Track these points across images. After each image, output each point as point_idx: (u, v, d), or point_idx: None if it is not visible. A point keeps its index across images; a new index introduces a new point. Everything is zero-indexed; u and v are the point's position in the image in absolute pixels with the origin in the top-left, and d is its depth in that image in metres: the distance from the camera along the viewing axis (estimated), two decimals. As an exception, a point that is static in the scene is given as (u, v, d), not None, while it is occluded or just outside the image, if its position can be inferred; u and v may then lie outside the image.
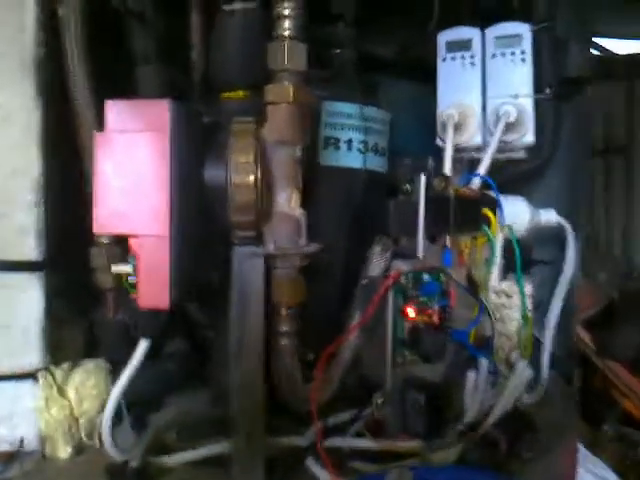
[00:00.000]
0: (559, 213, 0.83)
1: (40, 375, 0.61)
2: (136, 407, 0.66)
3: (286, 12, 0.55)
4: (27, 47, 0.60)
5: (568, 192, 0.89)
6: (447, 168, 0.74)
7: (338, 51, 0.74)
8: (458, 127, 0.81)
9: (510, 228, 0.69)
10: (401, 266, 0.64)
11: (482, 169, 0.73)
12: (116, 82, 0.64)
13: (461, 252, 0.65)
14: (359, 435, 0.67)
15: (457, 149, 0.80)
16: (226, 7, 0.60)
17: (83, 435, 0.64)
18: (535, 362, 0.82)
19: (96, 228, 0.52)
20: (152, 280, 0.52)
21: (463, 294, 0.67)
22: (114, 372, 0.66)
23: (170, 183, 0.52)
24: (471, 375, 0.67)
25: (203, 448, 0.61)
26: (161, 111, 0.52)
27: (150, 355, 0.66)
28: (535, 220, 0.79)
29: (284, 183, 0.57)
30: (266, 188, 0.56)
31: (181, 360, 0.70)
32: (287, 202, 0.58)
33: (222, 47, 0.61)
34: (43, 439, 0.62)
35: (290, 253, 0.58)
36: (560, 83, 0.82)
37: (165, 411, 0.64)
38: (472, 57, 0.83)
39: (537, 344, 0.83)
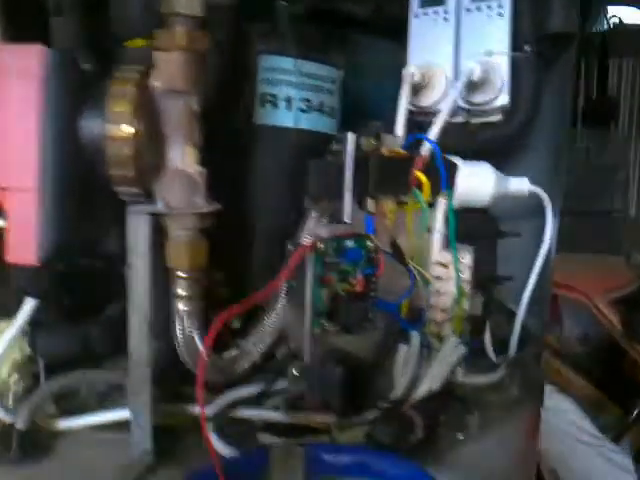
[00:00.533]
0: (539, 183, 0.76)
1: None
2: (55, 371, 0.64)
3: (175, -48, 0.50)
4: None
5: (549, 161, 0.81)
6: (399, 130, 0.68)
7: (283, 3, 0.68)
8: (422, 88, 0.74)
9: (448, 194, 0.62)
10: (320, 232, 0.59)
11: (433, 131, 0.67)
12: (35, 34, 0.61)
13: (384, 217, 0.59)
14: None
15: (424, 112, 0.74)
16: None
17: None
18: (504, 341, 0.77)
19: (-35, 180, 0.50)
20: (20, 234, 0.50)
21: (390, 263, 0.62)
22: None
23: (40, 134, 0.49)
24: (402, 348, 0.62)
25: (99, 414, 0.59)
26: (33, 57, 0.49)
27: (73, 318, 0.65)
28: (502, 188, 0.72)
29: (177, 137, 0.54)
30: (154, 142, 0.52)
31: (109, 327, 0.67)
32: (181, 157, 0.54)
33: None
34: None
35: (182, 213, 0.53)
36: (541, 40, 0.75)
37: (67, 375, 0.61)
38: (446, 12, 0.77)
39: (508, 320, 0.78)
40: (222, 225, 0.64)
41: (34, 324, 0.64)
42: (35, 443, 0.56)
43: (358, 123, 0.73)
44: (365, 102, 0.80)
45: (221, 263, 0.69)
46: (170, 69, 0.51)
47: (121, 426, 0.58)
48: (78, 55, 0.58)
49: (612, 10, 2.49)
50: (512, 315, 0.80)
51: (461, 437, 0.61)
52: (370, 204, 0.59)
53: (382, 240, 0.61)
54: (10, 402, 0.62)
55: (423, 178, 0.60)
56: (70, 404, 0.63)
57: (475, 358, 0.77)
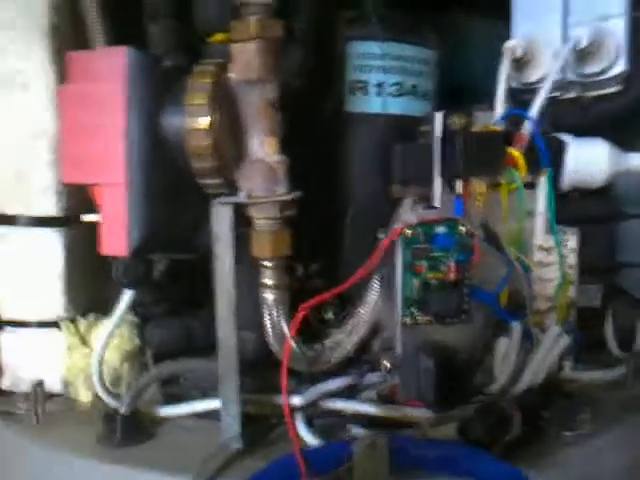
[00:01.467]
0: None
1: (63, 325, 0.65)
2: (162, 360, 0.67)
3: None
4: (43, 12, 0.62)
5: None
6: (498, 106, 0.64)
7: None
8: (527, 63, 0.70)
9: (549, 173, 0.57)
10: (407, 218, 0.57)
11: (533, 107, 0.63)
12: (134, 42, 0.64)
13: (474, 199, 0.56)
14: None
15: (532, 89, 0.69)
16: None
17: (107, 383, 0.66)
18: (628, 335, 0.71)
19: (64, 178, 0.53)
20: (112, 227, 0.52)
21: (487, 249, 0.58)
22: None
23: (126, 132, 0.51)
24: (502, 340, 0.59)
25: (198, 402, 0.60)
26: (117, 60, 0.52)
27: (175, 310, 0.68)
28: (620, 166, 0.66)
29: (256, 127, 0.54)
30: (234, 133, 0.53)
31: (212, 320, 0.69)
32: (260, 147, 0.54)
33: None
34: (66, 384, 0.65)
35: (264, 202, 0.54)
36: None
37: (169, 363, 0.64)
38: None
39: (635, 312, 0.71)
40: (315, 215, 0.64)
41: (144, 318, 0.68)
42: (137, 428, 0.58)
43: (463, 105, 0.71)
44: (474, 82, 0.76)
45: (316, 254, 0.69)
46: (245, 59, 0.52)
47: (217, 414, 0.59)
48: (171, 57, 0.60)
49: None
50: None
51: (568, 437, 0.55)
52: (459, 186, 0.55)
53: (476, 225, 0.57)
54: (123, 389, 0.65)
55: (518, 156, 0.55)
56: (173, 391, 0.64)
57: (596, 352, 0.71)
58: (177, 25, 0.63)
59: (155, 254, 0.60)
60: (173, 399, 0.63)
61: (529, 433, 0.54)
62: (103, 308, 0.67)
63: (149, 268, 0.57)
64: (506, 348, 0.58)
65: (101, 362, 0.60)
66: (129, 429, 0.57)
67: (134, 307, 0.66)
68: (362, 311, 0.64)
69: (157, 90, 0.53)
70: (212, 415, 0.59)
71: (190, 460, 0.53)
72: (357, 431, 0.57)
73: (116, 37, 0.62)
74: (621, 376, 0.67)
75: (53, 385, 0.65)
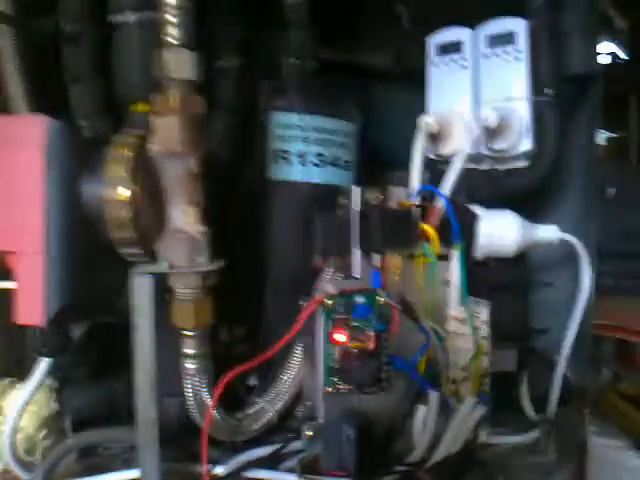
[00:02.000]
0: (571, 227, 0.72)
1: (-26, 390, 0.62)
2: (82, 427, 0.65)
3: (170, 18, 0.52)
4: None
5: (579, 202, 0.77)
6: (413, 180, 0.67)
7: (293, 60, 0.69)
8: (442, 136, 0.73)
9: (460, 246, 0.60)
10: (327, 288, 0.58)
11: (447, 180, 0.66)
12: (56, 101, 0.64)
13: (390, 272, 0.58)
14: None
15: (447, 161, 0.73)
16: (118, 18, 0.59)
17: (21, 451, 0.64)
18: (542, 398, 0.73)
19: (-23, 245, 0.52)
20: (28, 296, 0.51)
21: (404, 319, 0.60)
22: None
23: (44, 201, 0.51)
24: (421, 409, 0.60)
25: (116, 473, 0.59)
26: (36, 129, 0.51)
27: (95, 374, 0.67)
28: (530, 237, 0.69)
29: (177, 198, 0.55)
30: (155, 203, 0.53)
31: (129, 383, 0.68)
32: (182, 217, 0.55)
33: (119, 60, 0.60)
34: (-25, 455, 0.62)
35: (185, 272, 0.54)
36: (562, 82, 0.72)
37: (87, 432, 0.62)
38: (463, 60, 0.76)
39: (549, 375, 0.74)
40: (240, 280, 0.64)
41: (62, 381, 0.66)
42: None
43: (383, 173, 0.73)
44: (391, 151, 0.79)
45: (241, 318, 0.69)
46: (166, 132, 0.52)
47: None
48: (92, 121, 0.60)
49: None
50: (553, 368, 0.76)
51: (483, 504, 0.56)
52: (376, 259, 0.57)
53: (393, 296, 0.58)
54: (37, 458, 0.63)
55: (430, 231, 0.58)
56: (93, 461, 0.62)
57: (513, 416, 0.73)
58: (99, 88, 0.63)
59: (74, 321, 0.58)
60: (92, 470, 0.61)
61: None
62: (20, 373, 0.65)
63: (66, 337, 0.56)
64: (424, 416, 0.59)
65: (15, 430, 0.57)
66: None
67: (52, 371, 0.64)
68: (285, 378, 0.64)
69: (77, 159, 0.53)
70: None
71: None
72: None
73: (37, 100, 0.62)
74: (536, 440, 0.68)
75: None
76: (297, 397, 0.66)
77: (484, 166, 0.75)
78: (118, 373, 0.67)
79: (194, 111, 0.53)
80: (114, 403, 0.68)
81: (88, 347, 0.67)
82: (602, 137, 2.51)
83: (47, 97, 0.64)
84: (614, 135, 2.52)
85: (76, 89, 0.62)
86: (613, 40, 2.44)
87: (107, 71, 0.64)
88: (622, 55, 2.44)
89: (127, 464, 0.62)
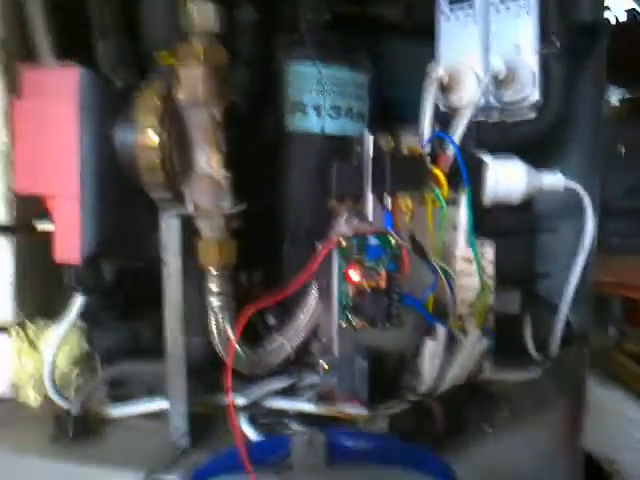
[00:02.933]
0: (578, 178, 0.75)
1: (13, 330, 0.67)
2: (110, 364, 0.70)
3: (193, -28, 0.55)
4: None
5: (586, 156, 0.80)
6: (425, 129, 0.70)
7: (309, 14, 0.72)
8: (452, 88, 0.76)
9: (468, 191, 0.64)
10: (343, 230, 0.62)
11: (457, 129, 0.69)
12: (82, 54, 0.67)
13: (402, 214, 0.62)
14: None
15: (456, 111, 0.76)
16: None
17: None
18: (544, 339, 0.77)
19: (17, 189, 0.56)
20: (65, 236, 0.55)
21: (416, 259, 0.64)
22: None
23: (79, 147, 0.55)
24: (428, 342, 0.64)
25: (146, 403, 0.64)
26: (70, 80, 0.55)
27: (123, 317, 0.71)
28: (535, 184, 0.73)
29: (203, 144, 0.58)
30: (182, 149, 0.57)
31: (155, 324, 0.72)
32: (207, 163, 0.58)
33: (146, 9, 0.63)
34: (16, 389, 0.67)
35: (210, 214, 0.58)
36: (569, 32, 0.75)
37: (117, 366, 0.67)
38: (474, 11, 0.78)
39: (552, 318, 0.78)
40: (258, 227, 0.68)
41: (92, 323, 0.71)
42: (88, 428, 0.61)
43: (395, 125, 0.76)
44: (403, 104, 0.81)
45: (259, 264, 0.73)
46: (191, 83, 0.56)
47: (165, 414, 0.62)
48: (118, 73, 0.63)
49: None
50: (557, 312, 0.80)
51: (489, 431, 0.61)
52: (388, 201, 0.61)
53: (404, 237, 0.62)
54: (72, 393, 0.68)
55: (440, 175, 0.61)
56: (121, 393, 0.67)
57: (517, 355, 0.77)
58: (125, 41, 0.66)
59: (106, 263, 0.63)
60: (121, 400, 0.65)
61: (452, 428, 0.59)
62: (52, 313, 0.69)
63: (101, 276, 0.60)
64: (432, 350, 0.63)
65: (54, 365, 0.62)
66: (80, 429, 0.60)
67: (84, 313, 0.68)
68: (302, 317, 0.68)
69: (108, 108, 0.56)
70: (160, 416, 0.62)
71: (140, 457, 0.57)
72: (297, 428, 0.61)
73: (63, 51, 0.65)
74: (538, 377, 0.73)
75: (3, 390, 0.67)
76: (313, 334, 0.70)
77: (493, 118, 0.78)
78: (144, 316, 0.71)
79: (217, 62, 0.56)
80: (140, 343, 0.72)
81: (116, 291, 0.72)
82: (616, 97, 2.50)
83: (74, 49, 0.67)
84: (628, 96, 2.51)
85: (103, 43, 0.65)
86: (631, -4, 2.41)
87: (133, 24, 0.67)
88: (640, 12, 2.42)
89: (154, 394, 0.66)
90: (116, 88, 0.59)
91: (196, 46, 0.56)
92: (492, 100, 0.76)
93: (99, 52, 0.66)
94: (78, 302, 0.61)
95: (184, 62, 0.56)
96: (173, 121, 0.56)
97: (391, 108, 0.82)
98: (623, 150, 1.95)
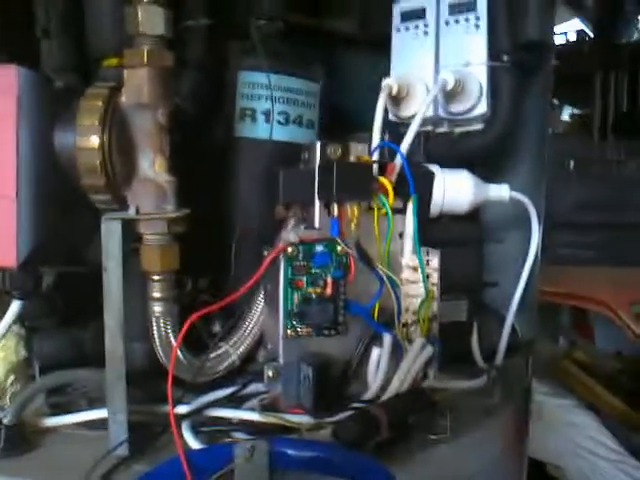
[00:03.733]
0: (522, 190, 0.77)
1: (-54, 336, 0.64)
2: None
3: (140, -26, 0.54)
4: None
5: (531, 167, 0.82)
6: (374, 138, 0.70)
7: (262, 22, 0.72)
8: (403, 99, 0.77)
9: (413, 199, 0.64)
10: (289, 237, 0.62)
11: (405, 140, 0.69)
12: (26, 52, 0.65)
13: (348, 221, 0.62)
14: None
15: (406, 122, 0.76)
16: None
17: (-7, 396, 0.66)
18: (492, 347, 0.78)
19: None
20: (0, 238, 0.53)
21: (362, 267, 0.64)
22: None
23: (17, 145, 0.53)
24: (375, 350, 0.64)
25: (84, 412, 0.62)
26: (9, 78, 0.53)
27: (63, 322, 0.69)
28: (482, 195, 0.74)
29: (146, 148, 0.57)
30: (124, 152, 0.56)
31: (102, 331, 0.70)
32: (150, 167, 0.57)
33: (93, 14, 0.62)
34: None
35: (153, 218, 0.57)
36: (518, 49, 0.76)
37: (55, 374, 0.65)
38: (426, 26, 0.79)
39: (498, 326, 0.79)
40: (205, 233, 0.67)
41: (30, 329, 0.69)
42: (22, 438, 0.59)
43: (346, 134, 0.76)
44: (353, 115, 0.82)
45: (205, 270, 0.72)
46: (135, 84, 0.55)
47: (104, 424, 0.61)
48: (62, 76, 0.62)
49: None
50: (503, 321, 0.81)
51: (433, 438, 0.61)
52: (335, 209, 0.61)
53: (350, 244, 0.62)
54: (7, 402, 0.65)
55: (387, 184, 0.62)
56: (60, 402, 0.66)
57: (464, 363, 0.78)
58: (70, 44, 0.65)
59: (44, 267, 0.61)
60: (60, 410, 0.64)
61: (397, 436, 0.59)
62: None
63: (38, 280, 0.59)
64: (378, 358, 0.63)
65: (-14, 373, 0.60)
66: (13, 440, 0.58)
67: (21, 319, 0.66)
68: (247, 323, 0.68)
69: (48, 108, 0.55)
70: (99, 425, 0.61)
71: (76, 468, 0.55)
72: (240, 437, 0.60)
73: (6, 50, 0.64)
74: (483, 385, 0.74)
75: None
76: (258, 343, 0.69)
77: (442, 129, 0.79)
78: (86, 322, 0.70)
79: (163, 65, 0.56)
80: (81, 351, 0.70)
81: (56, 296, 0.70)
82: (566, 113, 2.58)
83: (17, 49, 0.65)
84: (578, 112, 2.59)
85: (46, 43, 0.64)
86: (580, 18, 2.49)
87: (79, 27, 0.65)
88: (589, 33, 2.50)
89: (94, 404, 0.65)
90: (58, 89, 0.58)
91: (141, 47, 0.55)
92: (441, 111, 0.77)
93: (42, 52, 0.65)
94: (14, 307, 0.59)
95: (129, 64, 0.55)
96: (115, 123, 0.55)
97: (341, 118, 0.82)
98: (572, 164, 2.01)
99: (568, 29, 2.57)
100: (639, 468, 1.35)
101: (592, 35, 2.58)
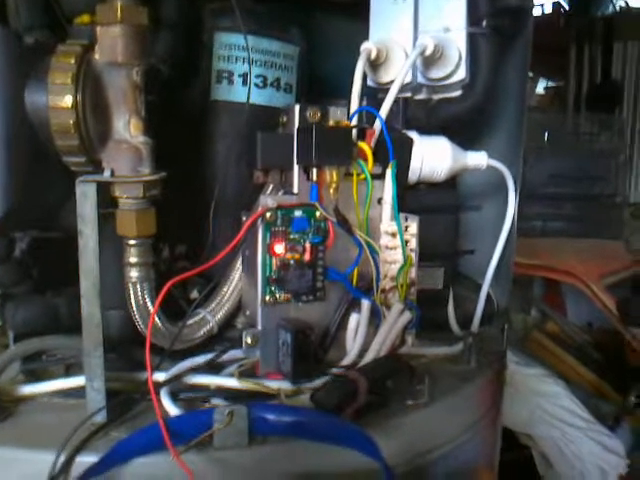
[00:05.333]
0: (499, 158, 0.77)
1: None
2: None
3: None
4: None
5: (508, 136, 0.82)
6: (353, 103, 0.69)
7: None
8: (382, 64, 0.76)
9: (392, 165, 0.63)
10: (267, 202, 0.61)
11: (384, 105, 0.68)
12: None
13: (327, 186, 0.61)
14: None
15: (385, 88, 0.75)
16: None
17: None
18: (468, 315, 0.78)
19: None
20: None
21: (340, 233, 0.63)
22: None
23: (-16, 105, 0.51)
24: (353, 316, 0.64)
25: (61, 380, 0.61)
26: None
27: (37, 290, 0.68)
28: (460, 162, 0.73)
29: (121, 109, 0.56)
30: (98, 113, 0.54)
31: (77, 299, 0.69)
32: (126, 128, 0.56)
33: None
34: None
35: (128, 181, 0.56)
36: (497, 15, 0.75)
37: (30, 340, 0.64)
38: (405, -10, 0.77)
39: (474, 294, 0.79)
40: (182, 198, 0.66)
41: (4, 297, 0.67)
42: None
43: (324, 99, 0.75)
44: (332, 81, 0.81)
45: (182, 237, 0.71)
46: (110, 42, 0.53)
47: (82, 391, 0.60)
48: (34, 34, 0.60)
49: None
50: (479, 289, 0.81)
51: (410, 403, 0.61)
52: (313, 173, 0.60)
53: (330, 210, 0.62)
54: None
55: (366, 149, 0.61)
56: (35, 368, 0.64)
57: (440, 330, 0.78)
58: (37, 1, 0.63)
59: (17, 231, 0.59)
60: (35, 378, 0.63)
61: (375, 401, 0.59)
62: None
63: (11, 245, 0.57)
64: (356, 323, 0.63)
65: (-43, 341, 0.59)
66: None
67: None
68: (225, 289, 0.67)
69: (18, 66, 0.53)
70: (76, 393, 0.60)
71: (53, 435, 0.54)
72: (220, 403, 0.60)
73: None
74: (460, 352, 0.74)
75: None
76: (237, 309, 0.69)
77: (420, 96, 0.78)
78: (60, 288, 0.68)
79: (138, 22, 0.54)
80: (56, 318, 0.69)
81: (30, 262, 0.68)
82: (541, 86, 2.58)
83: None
84: (553, 83, 2.60)
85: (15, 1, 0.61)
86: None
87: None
88: (565, 5, 2.50)
89: (71, 371, 0.64)
90: (28, 47, 0.55)
91: (115, 3, 0.53)
92: (420, 77, 0.76)
93: (10, 7, 0.62)
94: (-15, 273, 0.57)
95: (102, 21, 0.53)
96: (89, 82, 0.53)
97: (320, 84, 0.81)
98: (546, 137, 2.02)
99: (544, 1, 2.56)
100: (606, 434, 1.39)
101: (567, 8, 2.59)
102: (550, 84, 2.62)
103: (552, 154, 2.00)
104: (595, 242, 1.90)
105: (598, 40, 2.39)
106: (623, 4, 2.46)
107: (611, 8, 2.46)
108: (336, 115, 0.63)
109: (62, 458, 0.50)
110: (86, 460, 0.51)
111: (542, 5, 2.55)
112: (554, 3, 2.50)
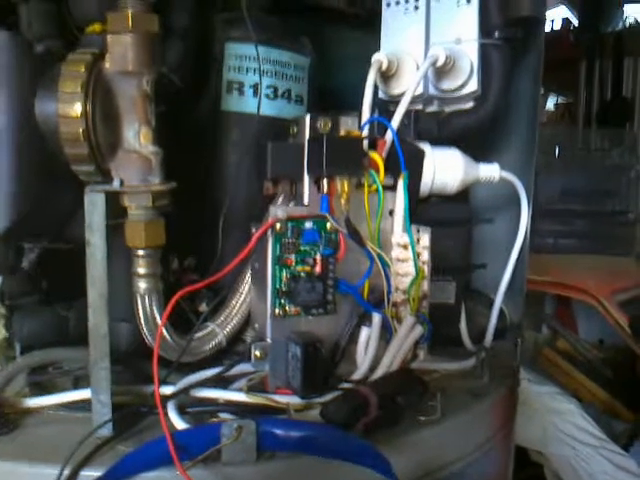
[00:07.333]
0: (512, 170, 0.75)
1: None
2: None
3: (125, -63, 0.52)
4: None
5: (521, 148, 0.81)
6: (364, 113, 0.68)
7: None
8: (393, 76, 0.75)
9: (404, 176, 0.63)
10: (277, 213, 0.60)
11: (396, 116, 0.68)
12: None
13: (338, 197, 0.60)
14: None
15: (396, 100, 0.75)
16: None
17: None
18: (480, 329, 0.77)
19: None
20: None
21: (351, 245, 0.62)
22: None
23: (-5, 112, 0.51)
24: (364, 330, 0.62)
25: (67, 393, 0.60)
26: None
27: (45, 301, 0.67)
28: (472, 174, 0.72)
29: (131, 118, 0.55)
30: (108, 122, 0.54)
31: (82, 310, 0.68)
32: (136, 138, 0.55)
33: None
34: None
35: (137, 191, 0.55)
36: (509, 26, 0.75)
37: (37, 352, 0.63)
38: (416, 1, 0.77)
39: (487, 309, 0.78)
40: (191, 211, 0.66)
41: (12, 309, 0.66)
42: (3, 420, 0.57)
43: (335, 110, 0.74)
44: (343, 92, 0.80)
45: (192, 249, 0.71)
46: (121, 51, 0.53)
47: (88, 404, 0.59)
48: (44, 42, 0.60)
49: (628, 10, 2.48)
50: (491, 304, 0.80)
51: (421, 419, 0.60)
52: (324, 184, 0.59)
53: (341, 222, 0.61)
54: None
55: (378, 159, 0.60)
56: (42, 381, 0.64)
57: (453, 345, 0.77)
58: (51, 10, 0.63)
59: (26, 241, 0.59)
60: (42, 390, 0.62)
61: (385, 416, 0.58)
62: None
63: (19, 255, 0.56)
64: (367, 337, 0.62)
65: (-36, 353, 0.58)
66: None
67: (1, 297, 0.64)
68: (234, 302, 0.66)
69: (29, 74, 0.53)
70: (82, 406, 0.59)
71: (59, 449, 0.53)
72: (228, 418, 0.59)
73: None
74: (472, 367, 0.73)
75: None
76: (246, 322, 0.68)
77: (432, 108, 0.78)
78: (69, 300, 0.67)
79: (148, 30, 0.53)
80: (64, 331, 0.68)
81: (38, 274, 0.67)
82: (551, 102, 2.58)
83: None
84: (563, 100, 2.59)
85: (25, 7, 0.61)
86: (566, 5, 2.49)
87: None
88: (574, 21, 2.50)
89: (78, 383, 0.63)
90: (40, 54, 0.55)
91: (126, 11, 0.52)
92: (431, 89, 0.75)
93: (21, 17, 0.62)
94: (-5, 281, 0.56)
95: (113, 29, 0.53)
96: (99, 91, 0.53)
97: (332, 96, 0.81)
98: (557, 153, 2.01)
99: (554, 16, 2.56)
100: (620, 454, 1.36)
101: (577, 23, 2.59)
102: (560, 100, 2.61)
103: (563, 170, 1.99)
104: (607, 259, 1.88)
105: (608, 56, 2.38)
106: (632, 20, 2.46)
107: (621, 24, 2.45)
108: (347, 125, 0.62)
109: (66, 472, 0.49)
110: (91, 474, 0.50)
111: (552, 21, 2.55)
112: (563, 19, 2.50)
